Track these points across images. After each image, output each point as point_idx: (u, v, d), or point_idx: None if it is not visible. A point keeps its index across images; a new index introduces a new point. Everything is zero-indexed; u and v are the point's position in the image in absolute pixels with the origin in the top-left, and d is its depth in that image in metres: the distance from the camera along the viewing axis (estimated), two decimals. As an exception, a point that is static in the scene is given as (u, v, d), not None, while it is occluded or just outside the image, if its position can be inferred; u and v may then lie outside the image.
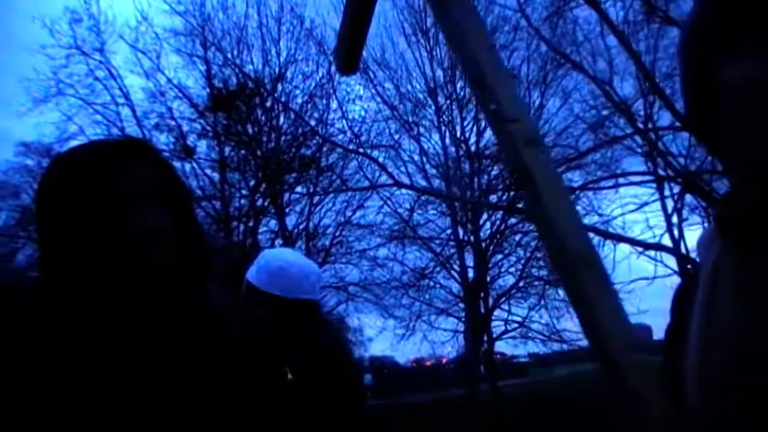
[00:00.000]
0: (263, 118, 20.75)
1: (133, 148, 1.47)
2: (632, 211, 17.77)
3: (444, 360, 35.39)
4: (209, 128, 20.36)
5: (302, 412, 2.37)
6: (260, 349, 1.78)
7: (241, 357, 1.52)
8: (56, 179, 1.41)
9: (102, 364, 1.27)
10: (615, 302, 2.92)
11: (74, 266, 1.34)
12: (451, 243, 22.80)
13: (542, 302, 22.62)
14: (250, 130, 20.44)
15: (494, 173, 21.75)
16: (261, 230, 21.08)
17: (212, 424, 1.36)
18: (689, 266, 16.47)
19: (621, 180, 17.76)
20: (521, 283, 22.85)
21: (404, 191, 19.46)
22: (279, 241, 20.36)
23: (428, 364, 39.33)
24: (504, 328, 23.91)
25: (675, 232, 18.17)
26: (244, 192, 20.88)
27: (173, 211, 1.43)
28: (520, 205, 19.71)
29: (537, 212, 3.31)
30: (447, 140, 22.44)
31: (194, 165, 20.19)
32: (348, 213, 21.48)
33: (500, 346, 27.37)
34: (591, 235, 18.30)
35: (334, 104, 20.39)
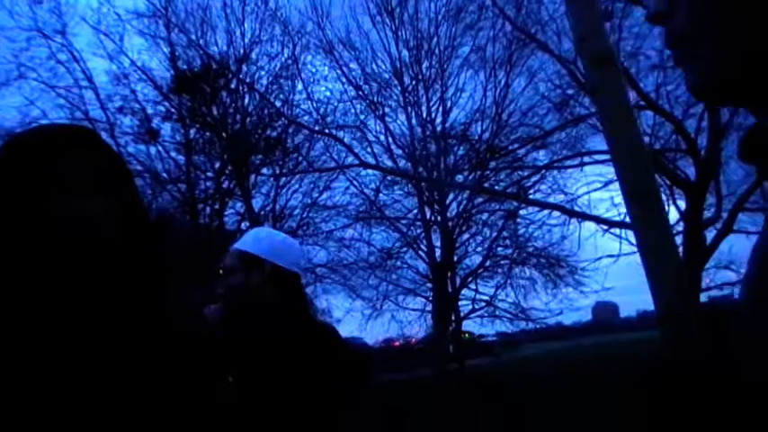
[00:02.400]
0: (228, 100, 20.61)
1: (74, 134, 1.46)
2: (597, 189, 17.99)
3: (413, 340, 35.57)
4: (173, 110, 20.18)
5: (246, 416, 2.36)
6: (209, 347, 1.76)
7: (179, 352, 1.50)
8: None
9: (32, 350, 1.26)
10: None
11: (9, 252, 1.33)
12: (418, 223, 22.88)
13: (509, 281, 22.85)
14: (215, 112, 20.29)
15: (460, 153, 21.85)
16: (227, 213, 21.00)
17: (136, 410, 1.35)
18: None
19: (587, 159, 17.95)
20: (487, 263, 23.03)
21: (370, 171, 19.51)
22: (246, 224, 20.29)
23: (397, 344, 39.50)
24: (471, 307, 24.11)
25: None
26: (209, 174, 20.74)
27: (114, 198, 1.43)
28: (486, 185, 19.84)
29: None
30: (413, 121, 22.43)
31: (159, 147, 20.02)
32: (315, 195, 21.46)
33: (468, 326, 27.57)
34: (557, 213, 18.52)
35: (299, 85, 20.35)
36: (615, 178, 17.38)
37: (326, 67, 21.09)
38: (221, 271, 2.80)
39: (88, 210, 1.36)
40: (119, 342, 1.36)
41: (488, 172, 20.52)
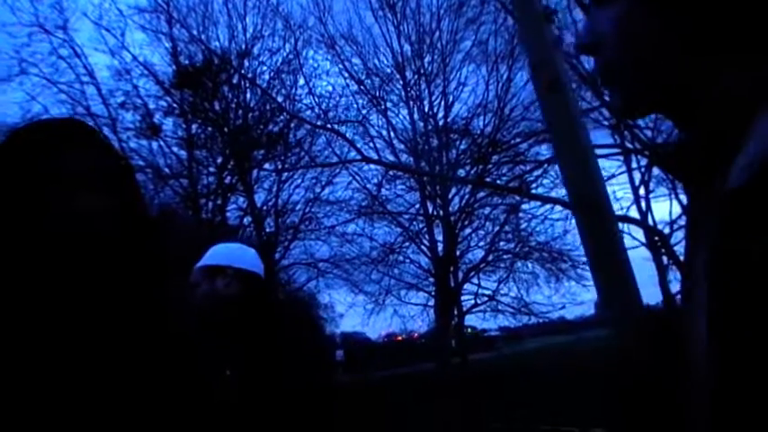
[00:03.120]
0: (230, 95, 20.63)
1: (72, 129, 1.46)
2: (599, 184, 17.91)
3: (415, 335, 35.60)
4: (175, 105, 20.16)
5: (243, 410, 2.38)
6: (204, 345, 1.77)
7: (179, 348, 1.50)
8: None
9: (29, 346, 1.27)
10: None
11: (7, 247, 1.34)
12: (420, 218, 22.88)
13: (511, 276, 22.84)
14: (217, 107, 20.29)
15: (462, 147, 21.84)
16: (229, 208, 21.03)
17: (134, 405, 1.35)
18: (656, 238, 16.68)
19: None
20: (490, 257, 23.03)
21: (372, 166, 19.46)
22: (248, 219, 20.31)
23: (399, 339, 39.54)
24: (474, 301, 24.10)
25: (643, 204, 18.34)
26: (211, 169, 20.75)
27: (113, 193, 1.43)
28: (488, 180, 19.81)
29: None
30: (415, 115, 22.48)
31: (161, 143, 20.02)
32: (317, 189, 21.52)
33: (470, 320, 27.57)
34: (559, 207, 18.50)
35: (301, 80, 20.32)
36: (617, 173, 17.43)
37: (328, 62, 21.11)
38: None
39: (87, 205, 1.36)
40: (116, 338, 1.36)
41: (490, 166, 20.49)
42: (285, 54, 20.32)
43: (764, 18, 0.75)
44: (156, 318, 1.46)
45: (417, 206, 22.91)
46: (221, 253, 2.80)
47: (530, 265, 22.35)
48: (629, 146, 16.24)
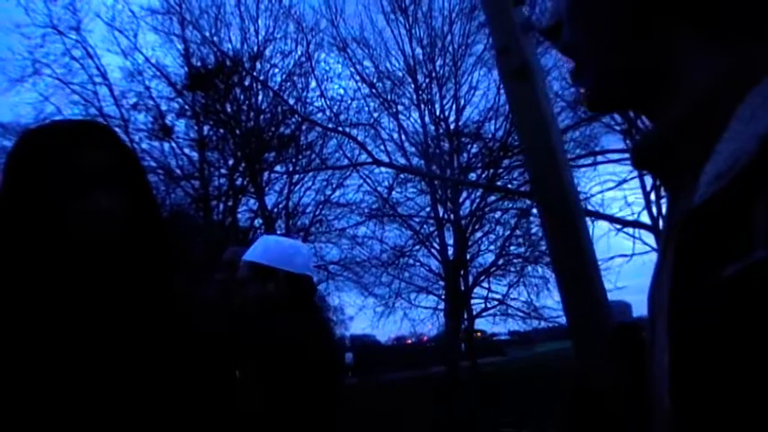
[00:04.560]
0: (242, 97, 20.68)
1: (89, 130, 1.47)
2: (611, 188, 17.95)
3: (425, 338, 35.56)
4: (187, 107, 20.25)
5: (249, 412, 2.38)
6: (217, 342, 1.77)
7: (190, 347, 1.51)
8: (13, 158, 1.41)
9: (44, 342, 1.27)
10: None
11: (22, 245, 1.34)
12: (431, 221, 22.86)
13: (521, 280, 22.78)
14: (229, 109, 20.35)
15: (473, 151, 21.83)
16: (240, 210, 21.08)
17: (147, 403, 1.36)
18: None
19: (600, 158, 17.88)
20: (500, 261, 22.98)
21: (383, 169, 19.47)
22: (258, 220, 20.34)
23: (409, 342, 39.50)
24: (483, 305, 24.05)
25: (654, 209, 18.28)
26: (223, 171, 20.82)
27: (126, 193, 1.44)
28: (499, 184, 19.79)
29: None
30: (426, 118, 22.47)
31: (173, 144, 20.10)
32: (327, 192, 21.53)
33: (480, 324, 27.53)
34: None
35: (312, 83, 20.40)
36: (629, 177, 17.39)
37: (340, 65, 21.26)
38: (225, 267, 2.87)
39: (99, 204, 1.37)
40: (126, 336, 1.37)
41: (501, 170, 20.50)
42: (297, 57, 20.41)
43: None
44: (163, 316, 1.47)
45: (428, 209, 22.93)
46: (273, 253, 2.77)
47: (540, 269, 22.27)
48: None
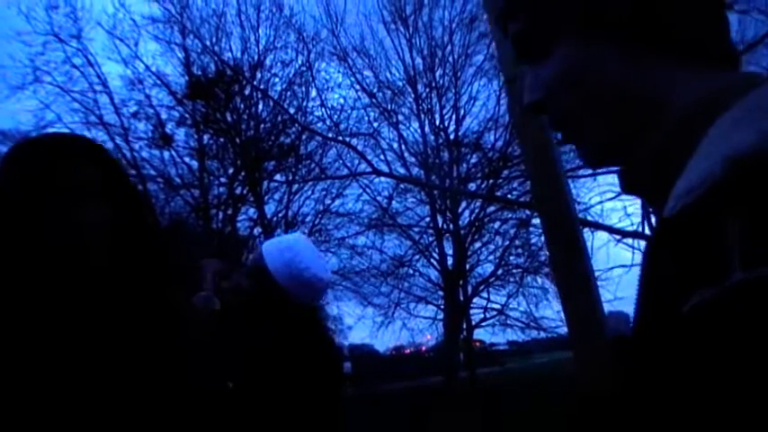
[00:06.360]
0: (242, 106, 20.67)
1: (77, 145, 1.48)
2: (610, 199, 17.88)
3: (423, 348, 35.50)
4: (187, 116, 20.25)
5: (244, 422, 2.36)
6: (211, 354, 1.76)
7: (177, 358, 1.50)
8: (1, 170, 1.41)
9: (30, 352, 1.27)
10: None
11: (7, 257, 1.35)
12: (430, 231, 22.83)
13: (521, 290, 22.75)
14: (229, 118, 20.34)
15: (473, 161, 21.83)
16: (240, 218, 21.02)
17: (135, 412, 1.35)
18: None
19: (600, 168, 17.85)
20: (499, 271, 22.93)
21: (383, 179, 19.46)
22: (258, 229, 20.33)
23: (407, 352, 39.42)
24: (483, 315, 24.00)
25: (653, 220, 18.26)
26: (222, 180, 20.80)
27: (112, 208, 1.44)
28: (498, 194, 19.79)
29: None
30: (426, 128, 22.44)
31: (173, 153, 20.09)
32: (327, 201, 21.49)
33: (479, 334, 27.48)
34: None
35: (313, 92, 20.35)
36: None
37: (340, 75, 21.13)
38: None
39: (85, 218, 1.37)
40: (108, 350, 1.37)
41: (501, 180, 20.49)
42: (297, 66, 20.40)
43: (704, 32, 0.74)
44: (151, 328, 1.46)
45: (427, 219, 22.89)
46: (290, 278, 2.63)
47: (539, 279, 22.24)
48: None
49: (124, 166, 1.64)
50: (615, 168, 0.85)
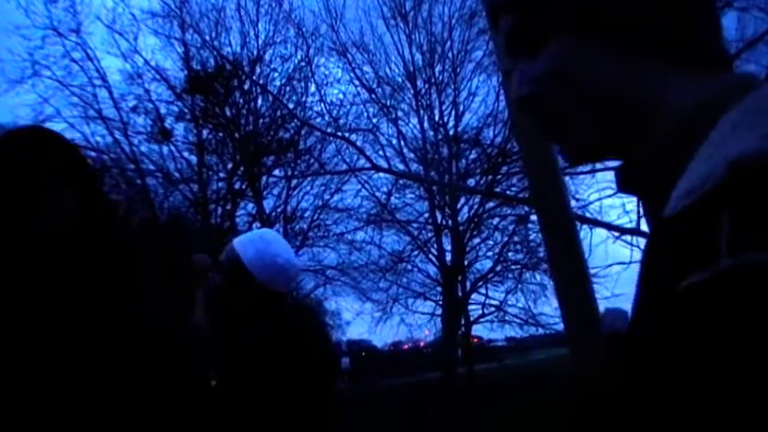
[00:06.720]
0: (241, 101, 20.68)
1: (33, 136, 1.48)
2: (609, 195, 17.86)
3: (422, 344, 35.53)
4: (186, 110, 20.24)
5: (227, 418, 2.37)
6: (192, 350, 1.77)
7: (157, 353, 1.51)
8: None
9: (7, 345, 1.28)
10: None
11: None
12: (429, 227, 22.86)
13: (519, 287, 22.77)
14: (228, 113, 20.34)
15: (472, 157, 21.83)
16: (238, 213, 21.04)
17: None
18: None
19: (598, 165, 17.86)
20: (498, 267, 22.96)
21: (382, 174, 19.45)
22: (257, 224, 20.31)
23: (405, 347, 39.47)
24: (481, 311, 24.03)
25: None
26: (221, 175, 20.80)
27: (73, 194, 1.45)
28: (497, 190, 19.78)
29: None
30: (425, 124, 22.47)
31: (172, 147, 20.09)
32: (326, 197, 21.54)
33: (477, 330, 27.48)
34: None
35: (312, 87, 20.37)
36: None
37: (339, 70, 21.15)
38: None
39: (45, 208, 1.38)
40: (86, 339, 1.37)
41: (500, 176, 20.49)
42: (297, 61, 20.43)
43: (700, 35, 0.74)
44: (126, 321, 1.47)
45: (426, 215, 22.92)
46: (263, 268, 2.68)
47: (538, 276, 22.26)
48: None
49: (83, 153, 1.64)
50: (614, 165, 0.85)
